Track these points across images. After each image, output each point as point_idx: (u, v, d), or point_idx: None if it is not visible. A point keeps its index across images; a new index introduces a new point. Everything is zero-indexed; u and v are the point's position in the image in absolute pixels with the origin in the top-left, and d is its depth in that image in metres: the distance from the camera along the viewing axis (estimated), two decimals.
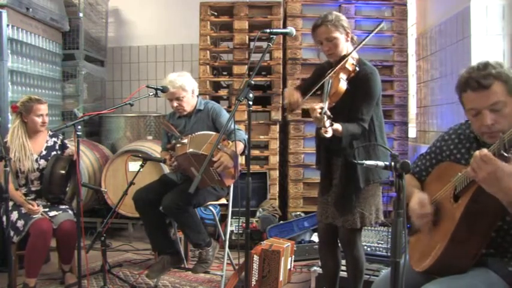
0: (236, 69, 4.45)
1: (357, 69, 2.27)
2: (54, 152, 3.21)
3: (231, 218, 3.52)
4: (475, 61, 3.18)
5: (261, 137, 4.41)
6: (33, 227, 2.91)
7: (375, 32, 2.40)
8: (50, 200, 3.14)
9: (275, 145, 4.41)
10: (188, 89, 3.06)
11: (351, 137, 2.23)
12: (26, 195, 3.11)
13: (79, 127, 2.59)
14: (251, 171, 2.26)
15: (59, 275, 3.24)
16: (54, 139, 3.26)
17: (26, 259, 2.91)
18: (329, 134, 2.00)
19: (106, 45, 5.72)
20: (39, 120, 3.10)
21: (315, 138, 2.53)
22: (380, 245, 2.93)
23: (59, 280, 3.22)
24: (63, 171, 3.08)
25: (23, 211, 2.99)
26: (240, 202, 2.99)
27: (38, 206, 3.03)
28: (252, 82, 2.08)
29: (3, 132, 3.34)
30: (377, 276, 2.65)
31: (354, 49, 2.34)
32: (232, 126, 2.61)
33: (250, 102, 2.10)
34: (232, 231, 3.88)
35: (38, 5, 4.21)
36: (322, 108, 2.02)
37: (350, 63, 2.26)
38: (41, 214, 3.00)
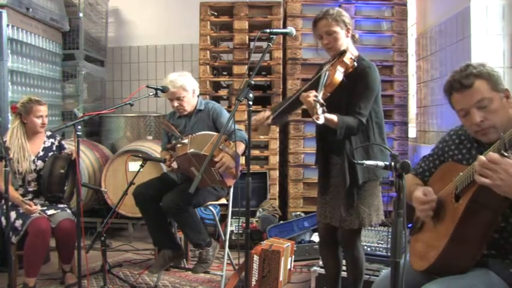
0: (236, 69, 4.45)
1: (355, 64, 2.26)
2: (51, 153, 3.20)
3: (231, 218, 3.52)
4: (475, 61, 3.19)
5: (261, 137, 4.41)
6: (32, 226, 2.90)
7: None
8: (48, 199, 3.13)
9: (275, 145, 4.41)
10: (189, 89, 3.06)
11: (346, 129, 2.20)
12: (23, 195, 3.10)
13: (79, 127, 2.59)
14: (251, 171, 2.26)
15: (59, 275, 3.24)
16: (51, 140, 3.25)
17: (25, 258, 2.91)
18: (321, 121, 1.99)
19: (106, 45, 5.72)
20: (38, 121, 3.10)
21: (315, 136, 2.52)
22: (380, 245, 2.93)
23: (59, 280, 3.22)
24: (62, 171, 3.08)
25: (20, 211, 2.99)
26: (240, 202, 3.00)
27: (36, 205, 3.03)
28: (252, 82, 2.08)
29: (4, 132, 3.34)
30: (377, 276, 2.65)
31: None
32: (233, 125, 2.61)
33: (250, 102, 2.10)
34: (232, 231, 3.88)
35: (38, 5, 4.21)
36: (315, 95, 2.02)
37: (348, 58, 2.25)
38: (39, 213, 2.99)
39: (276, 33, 2.28)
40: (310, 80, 2.40)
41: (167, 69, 5.65)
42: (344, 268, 2.57)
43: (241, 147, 2.91)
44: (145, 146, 4.21)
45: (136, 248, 4.10)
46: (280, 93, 4.40)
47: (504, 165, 1.35)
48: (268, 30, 2.19)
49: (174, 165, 2.96)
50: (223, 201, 3.26)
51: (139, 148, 4.13)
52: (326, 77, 2.18)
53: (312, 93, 2.06)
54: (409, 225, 1.84)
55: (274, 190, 4.40)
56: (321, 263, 2.75)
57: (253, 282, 3.03)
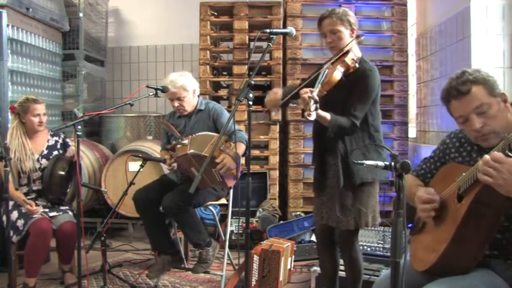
0: (236, 69, 4.45)
1: (357, 65, 2.25)
2: (56, 152, 3.21)
3: (231, 218, 3.51)
4: (475, 61, 3.20)
5: (261, 137, 4.41)
6: (33, 227, 2.91)
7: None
8: (50, 201, 3.14)
9: (275, 145, 4.41)
10: (189, 89, 3.06)
11: (338, 128, 2.19)
12: (26, 194, 3.11)
13: (79, 127, 2.59)
14: (251, 171, 2.26)
15: (59, 275, 3.24)
16: (55, 138, 3.26)
17: (26, 259, 2.91)
18: (312, 118, 1.99)
19: (106, 45, 5.72)
20: (36, 120, 3.10)
21: (312, 136, 2.52)
22: (380, 245, 2.93)
23: (59, 280, 3.22)
24: (63, 172, 3.08)
25: (23, 210, 2.99)
26: (240, 202, 3.00)
27: (38, 206, 3.03)
28: (252, 82, 2.08)
29: (4, 132, 3.34)
30: (377, 276, 2.65)
31: (351, 41, 2.31)
32: (234, 126, 2.61)
33: (250, 102, 2.10)
34: (232, 231, 3.88)
35: (38, 5, 4.21)
36: (311, 92, 2.02)
37: (350, 58, 2.23)
38: (41, 214, 2.99)
39: (276, 33, 2.28)
40: (310, 76, 2.40)
41: (167, 69, 5.65)
42: (342, 268, 2.57)
43: (241, 148, 2.90)
44: (145, 146, 4.21)
45: (136, 248, 4.10)
46: None
47: (508, 165, 1.36)
48: (268, 30, 2.18)
49: (175, 166, 2.96)
50: (223, 201, 3.26)
51: (139, 148, 4.13)
52: (324, 75, 2.17)
53: (308, 89, 2.06)
54: (409, 225, 1.84)
55: (274, 190, 4.40)
56: None
57: (253, 282, 3.03)
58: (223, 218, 3.90)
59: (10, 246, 2.66)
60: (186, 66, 5.54)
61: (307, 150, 4.29)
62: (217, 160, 2.73)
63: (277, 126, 4.42)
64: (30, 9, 4.08)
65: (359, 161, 1.64)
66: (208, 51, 4.50)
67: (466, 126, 1.61)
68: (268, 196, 4.37)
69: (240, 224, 3.85)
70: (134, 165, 3.49)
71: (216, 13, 4.54)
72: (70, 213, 3.13)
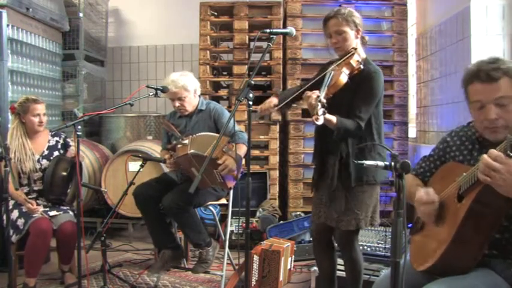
0: (236, 69, 4.45)
1: (362, 67, 2.24)
2: (57, 152, 3.21)
3: (231, 218, 3.51)
4: (475, 61, 3.19)
5: (261, 137, 4.41)
6: (33, 227, 2.91)
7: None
8: (50, 201, 3.14)
9: (275, 145, 4.41)
10: (190, 89, 3.06)
11: (344, 130, 2.19)
12: (27, 194, 3.11)
13: (79, 127, 2.59)
14: (251, 171, 2.26)
15: (59, 275, 3.24)
16: (56, 138, 3.26)
17: (26, 259, 2.91)
18: (319, 122, 1.98)
19: (106, 45, 5.72)
20: (36, 120, 3.10)
21: (314, 136, 2.52)
22: (380, 245, 2.93)
23: (58, 280, 3.22)
24: (65, 173, 3.08)
25: (23, 210, 2.99)
26: (240, 202, 2.99)
27: (39, 205, 3.03)
28: (252, 82, 2.08)
29: (4, 132, 3.34)
30: (377, 276, 2.65)
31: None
32: (234, 127, 2.61)
33: (250, 102, 2.10)
34: (232, 231, 3.88)
35: (38, 5, 4.21)
36: (318, 96, 2.01)
37: (355, 60, 2.23)
38: (41, 214, 2.99)
39: (276, 33, 2.28)
40: (314, 78, 2.40)
41: (167, 69, 5.65)
42: (342, 268, 2.57)
43: (242, 150, 2.90)
44: (145, 146, 4.21)
45: (136, 248, 4.10)
46: (280, 93, 4.39)
47: (508, 165, 1.35)
48: (268, 30, 2.18)
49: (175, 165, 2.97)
50: (223, 201, 3.26)
51: (139, 148, 4.13)
52: (330, 78, 2.17)
53: (315, 93, 2.05)
54: (409, 225, 1.84)
55: (274, 190, 4.40)
56: None
57: (253, 282, 3.03)
58: (223, 218, 3.90)
59: (10, 246, 2.66)
60: (186, 66, 5.54)
61: (307, 150, 4.29)
62: (220, 161, 2.73)
63: (277, 126, 4.42)
64: (30, 9, 4.08)
65: (359, 161, 1.64)
66: (208, 51, 4.51)
67: (480, 113, 1.57)
68: (268, 196, 4.37)
69: (240, 224, 3.85)
70: (134, 165, 3.50)
71: (216, 13, 4.54)
72: (70, 213, 3.13)
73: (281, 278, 3.06)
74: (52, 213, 3.06)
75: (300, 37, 4.33)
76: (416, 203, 1.66)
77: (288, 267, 3.19)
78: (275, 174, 4.40)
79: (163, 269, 3.07)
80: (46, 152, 3.18)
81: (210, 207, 3.25)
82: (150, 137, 4.74)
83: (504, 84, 1.52)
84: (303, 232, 3.88)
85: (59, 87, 4.81)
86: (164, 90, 2.96)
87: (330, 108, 2.06)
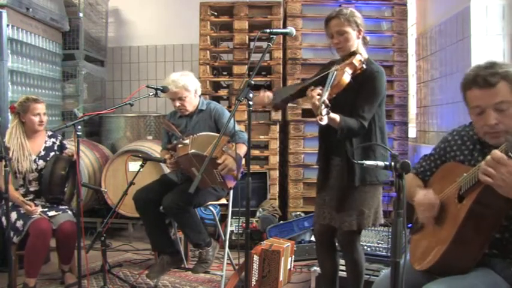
0: (236, 69, 4.45)
1: (364, 67, 2.24)
2: (53, 153, 3.20)
3: (231, 218, 3.51)
4: (475, 61, 3.19)
5: (261, 137, 4.41)
6: (33, 227, 2.90)
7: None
8: (49, 201, 3.13)
9: (275, 145, 4.41)
10: (191, 89, 3.06)
11: (347, 130, 2.19)
12: (24, 195, 3.10)
13: (79, 127, 2.59)
14: (251, 171, 2.26)
15: (59, 275, 3.24)
16: (53, 139, 3.26)
17: (26, 259, 2.91)
18: (324, 122, 1.97)
19: (106, 45, 5.72)
20: (36, 119, 3.10)
21: (318, 135, 2.51)
22: (380, 245, 2.93)
23: (59, 280, 3.22)
24: (63, 172, 3.08)
25: (21, 211, 2.99)
26: (240, 202, 2.99)
27: (37, 206, 3.03)
28: (252, 82, 2.08)
29: (3, 132, 3.34)
30: (377, 276, 2.65)
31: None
32: (234, 127, 2.60)
33: (250, 102, 2.10)
34: (232, 231, 3.88)
35: (38, 5, 4.21)
36: (320, 95, 2.01)
37: (358, 60, 2.23)
38: (40, 214, 2.99)
39: (276, 33, 2.28)
40: (315, 76, 2.39)
41: (167, 69, 5.65)
42: (343, 268, 2.57)
43: (243, 150, 2.90)
44: (145, 146, 4.21)
45: (136, 248, 4.10)
46: None
47: (509, 166, 1.35)
48: (268, 30, 2.18)
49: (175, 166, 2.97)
50: (223, 201, 3.26)
51: (139, 148, 4.13)
52: (333, 78, 2.17)
53: (316, 91, 2.05)
54: (409, 225, 1.84)
55: (274, 190, 4.40)
56: None
57: (253, 282, 3.03)
58: (223, 218, 3.90)
59: (10, 247, 2.66)
60: (186, 66, 5.54)
61: (307, 150, 4.29)
62: (219, 161, 2.73)
63: (277, 126, 4.42)
64: (30, 9, 4.08)
65: (359, 161, 1.64)
66: (208, 51, 4.51)
67: (480, 118, 1.56)
68: (268, 196, 4.37)
69: (240, 224, 3.85)
70: (134, 165, 3.49)
71: (216, 13, 4.54)
72: (69, 212, 3.13)
73: (281, 278, 3.06)
74: (51, 213, 3.06)
75: (300, 37, 4.33)
76: (416, 206, 1.66)
77: (288, 267, 3.19)
78: (275, 174, 4.40)
79: (162, 273, 3.08)
80: (43, 153, 3.17)
81: (210, 207, 3.25)
82: (150, 137, 4.74)
83: (502, 89, 1.52)
84: (303, 232, 3.88)
85: (59, 87, 4.81)
86: (164, 90, 2.96)
87: (333, 108, 2.06)
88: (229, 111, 3.20)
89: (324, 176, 2.42)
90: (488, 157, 1.39)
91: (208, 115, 3.12)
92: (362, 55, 2.29)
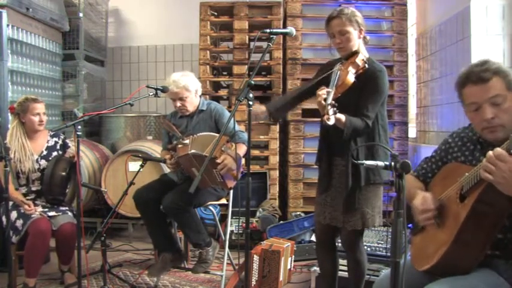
0: (236, 69, 4.45)
1: (367, 66, 2.24)
2: (55, 152, 3.20)
3: (231, 218, 3.52)
4: (475, 61, 3.19)
5: (261, 137, 4.41)
6: (32, 227, 2.90)
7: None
8: (49, 201, 3.13)
9: (275, 145, 4.41)
10: (192, 89, 3.07)
11: (353, 130, 2.19)
12: (25, 195, 3.11)
13: (79, 127, 2.59)
14: (251, 171, 2.26)
15: (59, 275, 3.24)
16: (55, 139, 3.26)
17: (26, 259, 2.91)
18: (331, 122, 1.98)
19: (106, 45, 5.72)
20: (36, 119, 3.10)
21: (319, 136, 2.51)
22: (380, 245, 2.93)
23: (58, 280, 3.22)
24: (64, 173, 3.07)
25: (21, 211, 2.99)
26: (240, 202, 2.99)
27: (37, 206, 3.03)
28: (252, 82, 2.08)
29: (4, 132, 3.34)
30: (377, 276, 2.65)
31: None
32: (234, 127, 2.60)
33: (250, 102, 2.10)
34: (232, 231, 3.88)
35: (38, 5, 4.21)
36: (327, 93, 2.01)
37: (360, 59, 2.23)
38: (40, 214, 2.99)
39: (276, 33, 2.28)
40: (315, 77, 2.39)
41: (167, 69, 5.65)
42: (344, 268, 2.57)
43: (242, 150, 2.90)
44: (145, 146, 4.21)
45: (136, 248, 4.10)
46: (280, 93, 4.40)
47: (510, 163, 1.36)
48: (268, 30, 2.18)
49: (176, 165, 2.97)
50: (223, 201, 3.26)
51: (139, 148, 4.13)
52: (337, 78, 2.17)
53: (323, 92, 2.04)
54: (409, 225, 1.84)
55: (274, 190, 4.40)
56: None
57: (253, 282, 3.03)
58: (223, 218, 3.90)
59: (10, 247, 2.66)
60: (186, 66, 5.54)
61: (307, 150, 4.29)
62: (218, 160, 2.73)
63: (277, 126, 4.42)
64: (30, 9, 4.08)
65: (359, 161, 1.64)
66: (208, 51, 4.51)
67: (477, 114, 1.59)
68: (268, 196, 4.37)
69: (240, 224, 3.85)
70: (134, 165, 3.50)
71: (216, 13, 4.54)
72: (70, 213, 3.13)
73: (281, 278, 3.06)
74: (51, 213, 3.05)
75: (300, 37, 4.33)
76: (414, 209, 1.67)
77: (288, 267, 3.19)
78: (275, 174, 4.40)
79: (163, 272, 3.08)
80: (45, 153, 3.17)
81: (210, 207, 3.25)
82: (150, 137, 4.75)
83: (496, 83, 1.56)
84: (303, 232, 3.88)
85: (59, 87, 4.80)
86: (164, 90, 2.96)
87: (338, 109, 2.06)
88: (229, 111, 3.21)
89: (325, 176, 2.42)
90: (490, 153, 1.40)
91: (208, 115, 3.12)
92: (364, 55, 2.29)
